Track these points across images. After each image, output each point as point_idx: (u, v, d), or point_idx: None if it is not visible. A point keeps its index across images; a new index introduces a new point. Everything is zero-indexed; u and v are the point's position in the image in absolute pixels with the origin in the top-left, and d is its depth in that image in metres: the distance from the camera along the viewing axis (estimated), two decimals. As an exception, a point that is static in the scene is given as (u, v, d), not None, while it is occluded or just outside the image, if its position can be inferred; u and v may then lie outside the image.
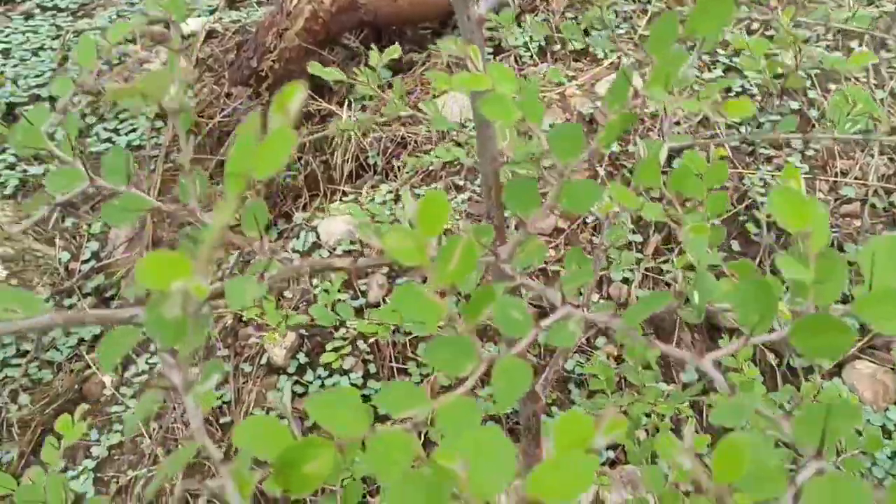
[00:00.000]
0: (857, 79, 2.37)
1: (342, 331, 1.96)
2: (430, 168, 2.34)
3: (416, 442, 0.47)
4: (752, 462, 0.36)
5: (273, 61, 2.55)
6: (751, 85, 2.39)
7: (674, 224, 0.73)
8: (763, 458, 0.36)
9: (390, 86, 1.74)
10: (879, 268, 0.46)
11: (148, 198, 0.82)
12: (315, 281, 2.10)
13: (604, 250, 1.09)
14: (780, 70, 1.19)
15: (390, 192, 2.27)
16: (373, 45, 1.68)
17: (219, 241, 0.38)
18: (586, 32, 2.71)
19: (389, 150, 2.42)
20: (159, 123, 2.90)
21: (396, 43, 1.80)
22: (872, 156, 2.19)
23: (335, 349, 1.87)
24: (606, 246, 1.08)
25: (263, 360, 2.03)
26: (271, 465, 0.44)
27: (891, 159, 2.20)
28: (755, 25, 2.61)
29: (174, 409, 2.00)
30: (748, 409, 0.40)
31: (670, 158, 2.00)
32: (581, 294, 1.20)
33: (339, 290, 2.03)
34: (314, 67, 1.44)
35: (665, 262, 2.05)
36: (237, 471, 0.43)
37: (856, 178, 2.19)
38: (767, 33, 2.53)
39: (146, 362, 2.17)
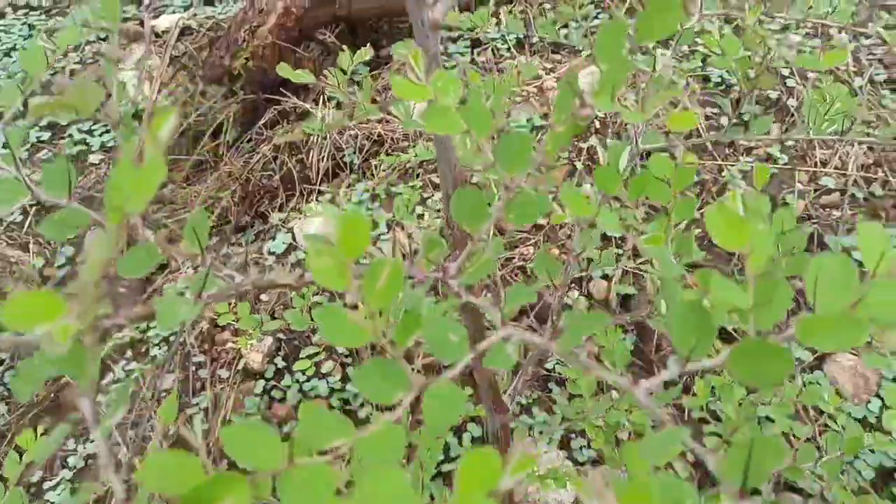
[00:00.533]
0: (836, 67, 2.35)
1: (319, 335, 1.93)
2: (408, 165, 2.31)
3: (338, 474, 0.45)
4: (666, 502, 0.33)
5: (246, 59, 2.52)
6: (729, 75, 2.36)
7: (631, 235, 0.71)
8: (677, 499, 0.34)
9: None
10: (823, 291, 0.43)
11: (89, 212, 0.79)
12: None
13: (576, 256, 1.06)
14: (752, 69, 1.17)
15: (367, 190, 2.24)
16: (344, 47, 1.65)
17: (97, 277, 0.35)
18: (564, 25, 2.68)
19: (366, 148, 2.39)
20: (135, 123, 2.86)
21: (370, 41, 1.77)
22: (852, 145, 2.17)
23: (309, 356, 1.84)
24: (578, 252, 1.05)
25: (241, 366, 2.00)
26: (180, 501, 0.41)
27: (870, 148, 2.18)
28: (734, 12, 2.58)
29: (150, 417, 1.97)
30: (673, 445, 0.37)
31: (648, 154, 1.98)
32: (551, 287, 1.18)
33: (315, 294, 2.00)
34: (283, 69, 1.41)
35: (645, 262, 2.03)
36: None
37: (835, 168, 2.17)
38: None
39: (122, 369, 2.14)
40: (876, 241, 0.45)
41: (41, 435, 1.31)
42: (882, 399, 1.82)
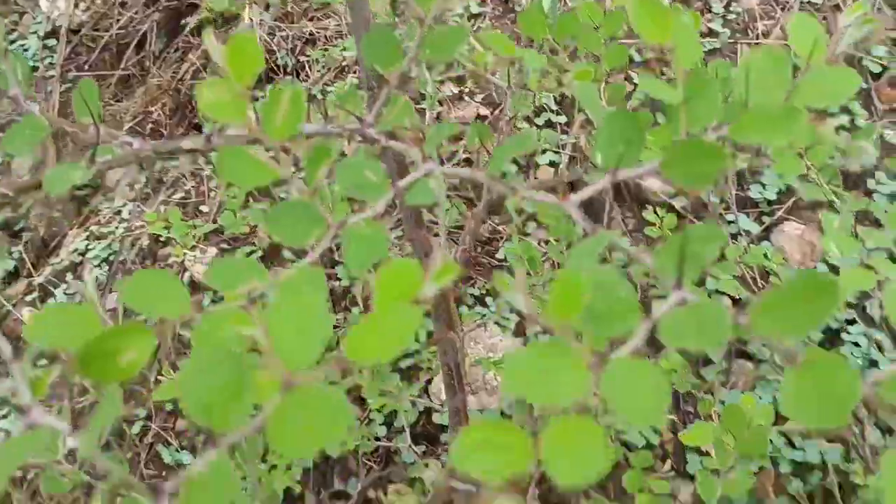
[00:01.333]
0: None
1: (258, 235, 1.89)
2: (344, 63, 2.23)
3: (252, 317, 0.42)
4: (600, 297, 0.31)
5: (163, -39, 2.37)
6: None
7: (558, 73, 0.67)
8: (614, 292, 0.31)
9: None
10: (756, 83, 0.41)
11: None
12: (230, 190, 2.01)
13: (508, 120, 1.03)
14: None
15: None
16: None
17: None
18: None
19: (298, 49, 2.29)
20: (51, 41, 2.70)
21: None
22: (790, 10, 2.15)
23: (245, 256, 1.81)
24: (510, 116, 1.02)
25: (185, 279, 1.95)
26: (75, 355, 0.38)
27: (812, 16, 2.15)
28: None
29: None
30: (601, 244, 0.35)
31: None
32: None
33: (249, 199, 1.96)
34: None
35: (590, 141, 2.00)
36: (28, 368, 0.37)
37: (777, 39, 2.14)
38: None
39: (64, 293, 2.08)
40: (807, 29, 0.42)
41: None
42: (828, 263, 1.84)
